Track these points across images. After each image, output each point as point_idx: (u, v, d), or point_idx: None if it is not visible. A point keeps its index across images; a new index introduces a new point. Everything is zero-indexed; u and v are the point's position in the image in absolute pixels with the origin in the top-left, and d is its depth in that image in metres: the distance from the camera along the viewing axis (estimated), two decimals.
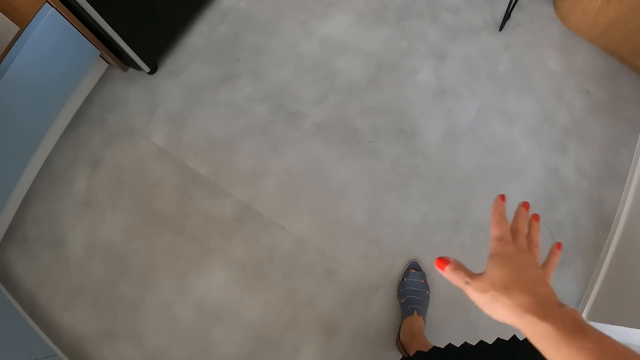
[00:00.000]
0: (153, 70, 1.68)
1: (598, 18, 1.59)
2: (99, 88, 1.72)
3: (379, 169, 1.55)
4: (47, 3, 1.29)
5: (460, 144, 1.58)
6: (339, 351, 1.43)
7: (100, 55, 1.59)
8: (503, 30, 1.69)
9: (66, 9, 1.34)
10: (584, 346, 0.40)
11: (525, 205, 0.57)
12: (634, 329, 1.21)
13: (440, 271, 0.51)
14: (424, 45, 1.68)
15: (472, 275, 0.48)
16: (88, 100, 1.71)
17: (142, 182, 1.59)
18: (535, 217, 0.56)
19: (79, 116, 1.69)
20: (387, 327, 1.44)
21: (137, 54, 1.55)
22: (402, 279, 1.45)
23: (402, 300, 1.42)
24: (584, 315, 1.44)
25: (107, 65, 1.72)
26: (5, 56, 1.27)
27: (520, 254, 0.50)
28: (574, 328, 0.41)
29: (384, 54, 1.67)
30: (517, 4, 1.72)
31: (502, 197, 0.55)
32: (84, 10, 1.32)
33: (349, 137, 1.58)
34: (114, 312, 1.50)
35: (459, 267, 0.50)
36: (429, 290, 1.44)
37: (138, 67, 1.64)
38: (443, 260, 0.51)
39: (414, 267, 1.46)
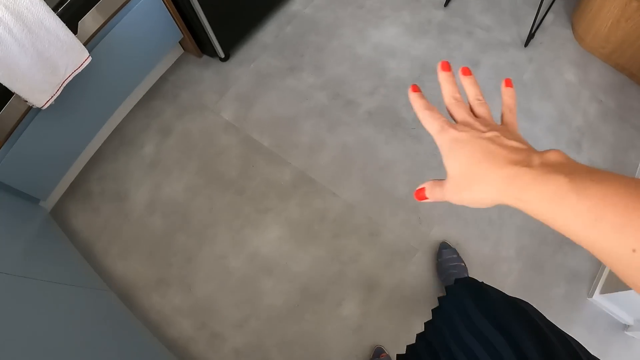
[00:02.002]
0: (226, 58, 1.97)
1: (609, 38, 1.88)
2: (174, 70, 2.00)
3: (420, 150, 1.79)
4: None
5: None
6: (377, 306, 1.61)
7: (179, 42, 1.87)
8: (528, 46, 1.98)
9: None
10: (588, 187, 0.33)
11: (443, 65, 0.49)
12: None
13: (422, 200, 0.48)
14: (460, 55, 1.97)
15: (440, 183, 0.45)
16: (163, 79, 1.99)
17: (209, 149, 1.83)
18: (464, 71, 0.50)
19: (154, 91, 1.96)
20: (422, 286, 1.63)
21: (218, 40, 1.83)
22: (437, 261, 1.64)
23: (443, 278, 1.60)
24: (599, 289, 1.62)
25: (183, 51, 2.00)
26: (108, 21, 1.54)
27: (465, 132, 0.43)
28: (565, 171, 0.35)
29: (426, 59, 1.96)
30: (540, 26, 2.02)
31: (414, 87, 0.49)
32: None
33: (395, 124, 1.83)
34: (168, 262, 1.69)
35: (432, 188, 0.46)
36: (463, 262, 1.62)
37: (213, 54, 1.93)
38: (419, 191, 0.48)
39: (443, 247, 1.65)
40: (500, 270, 1.64)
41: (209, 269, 1.68)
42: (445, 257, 1.62)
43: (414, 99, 0.48)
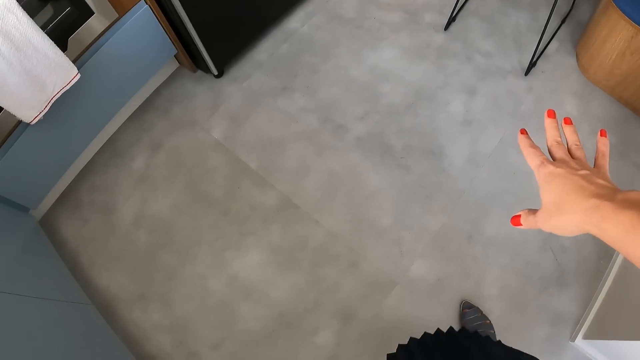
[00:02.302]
0: (220, 74, 1.96)
1: (613, 70, 1.81)
2: (168, 83, 2.00)
3: (407, 181, 1.76)
4: (143, 0, 1.58)
5: (481, 168, 1.78)
6: (352, 337, 1.60)
7: (174, 56, 1.87)
8: (528, 75, 1.92)
9: (158, 8, 1.63)
10: None
11: (550, 113, 0.57)
12: (628, 341, 1.35)
13: (517, 226, 0.55)
14: (457, 81, 1.92)
15: (533, 212, 0.52)
16: (157, 92, 1.99)
17: (197, 167, 1.84)
18: (566, 120, 0.57)
19: (147, 104, 1.97)
20: (398, 320, 1.61)
21: (210, 57, 1.83)
22: (462, 324, 1.59)
23: None
24: (582, 333, 1.58)
25: (179, 65, 2.00)
26: (102, 35, 1.55)
27: (561, 168, 0.49)
28: None
29: (422, 85, 1.92)
30: (543, 53, 1.95)
31: (523, 130, 0.57)
32: (174, 10, 1.60)
33: (384, 151, 1.80)
34: (151, 278, 1.70)
35: (527, 216, 0.53)
36: (488, 319, 1.59)
37: (207, 70, 1.92)
38: (515, 217, 0.55)
39: (466, 307, 1.60)
40: (482, 308, 1.61)
41: (190, 288, 1.69)
42: (468, 317, 1.58)
43: (522, 138, 0.56)
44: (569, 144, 0.55)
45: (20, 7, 1.22)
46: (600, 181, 0.46)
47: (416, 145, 1.81)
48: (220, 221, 1.75)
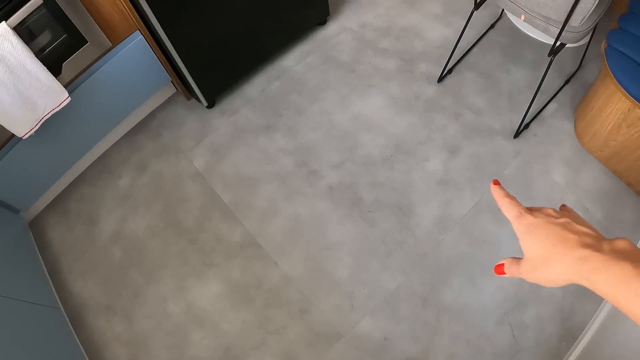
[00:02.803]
0: (211, 105, 2.04)
1: (609, 141, 1.70)
2: (164, 107, 2.12)
3: (370, 235, 1.76)
4: (138, 30, 1.69)
5: (449, 232, 1.74)
6: None
7: (171, 81, 1.98)
8: (518, 137, 1.85)
9: (152, 39, 1.73)
10: None
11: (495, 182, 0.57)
12: None
13: (500, 275, 0.54)
14: (441, 138, 1.88)
15: (517, 261, 0.51)
16: (152, 114, 2.11)
17: (175, 194, 1.93)
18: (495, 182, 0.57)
19: (141, 125, 2.10)
20: None
21: (200, 90, 1.91)
22: None
23: None
24: None
25: (175, 91, 2.11)
26: (95, 62, 1.67)
27: (540, 217, 0.49)
28: (631, 258, 0.40)
29: (403, 138, 1.90)
30: (539, 115, 1.87)
31: (495, 181, 0.57)
32: (165, 44, 1.70)
33: (353, 203, 1.81)
34: (118, 292, 1.82)
35: (510, 265, 0.52)
36: None
37: (199, 100, 2.01)
38: (499, 266, 0.54)
39: None
40: None
41: (151, 307, 1.79)
42: None
43: (495, 189, 0.55)
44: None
45: (16, 35, 1.36)
46: (583, 229, 0.46)
47: (386, 200, 1.80)
48: (188, 249, 1.84)
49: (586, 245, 0.43)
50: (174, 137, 2.05)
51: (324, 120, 1.97)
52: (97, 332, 1.78)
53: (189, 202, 1.91)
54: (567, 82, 1.96)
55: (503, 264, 0.53)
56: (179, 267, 1.82)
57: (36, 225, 1.99)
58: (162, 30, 1.65)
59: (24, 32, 1.44)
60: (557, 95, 1.92)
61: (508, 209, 0.52)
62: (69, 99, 1.61)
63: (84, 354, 1.70)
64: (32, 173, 1.81)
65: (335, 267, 1.73)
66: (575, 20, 1.42)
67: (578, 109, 1.86)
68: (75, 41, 1.61)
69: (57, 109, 1.61)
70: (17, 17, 1.36)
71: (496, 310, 1.66)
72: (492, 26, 2.14)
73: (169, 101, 2.12)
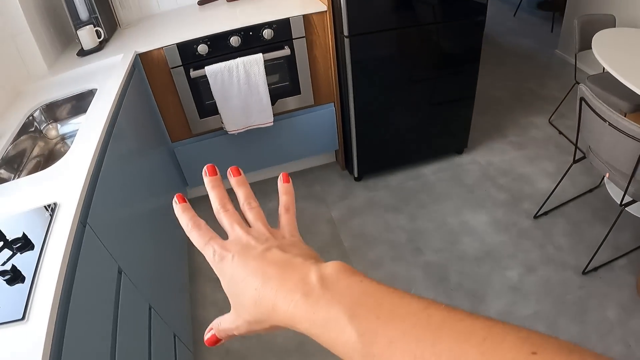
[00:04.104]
0: (358, 179, 2.90)
1: None
2: (321, 168, 3.06)
3: None
4: (333, 103, 2.63)
5: None
6: None
7: (335, 151, 2.88)
8: (586, 274, 2.31)
9: (340, 113, 2.66)
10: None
11: (210, 170, 0.45)
12: None
13: (213, 344, 0.42)
14: (523, 257, 2.43)
15: (224, 316, 0.41)
16: (311, 169, 3.06)
17: (308, 227, 2.69)
18: (233, 171, 0.46)
19: (302, 173, 3.05)
20: None
21: (357, 163, 2.78)
22: None
23: None
24: None
25: (334, 160, 3.02)
26: (298, 110, 2.63)
27: (230, 251, 0.39)
28: (346, 300, 0.32)
29: (495, 248, 2.48)
30: (609, 264, 2.32)
31: (179, 196, 0.44)
32: (349, 118, 2.60)
33: (440, 280, 2.41)
34: None
35: (218, 326, 0.42)
36: None
37: (351, 171, 2.87)
38: (209, 335, 0.43)
39: None
40: None
41: None
42: None
43: (180, 210, 0.43)
44: (240, 204, 0.45)
45: (263, 65, 2.35)
46: (287, 257, 0.37)
47: (466, 286, 2.37)
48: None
49: (293, 288, 0.34)
50: (322, 190, 2.91)
51: (439, 217, 2.66)
52: (201, 293, 2.54)
53: (316, 236, 2.67)
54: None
55: (211, 328, 0.43)
56: None
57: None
58: (353, 105, 2.55)
59: (267, 66, 2.41)
60: (630, 254, 2.36)
61: (196, 241, 0.41)
62: (272, 123, 2.57)
63: None
64: (217, 162, 2.80)
65: None
66: None
67: None
68: (293, 89, 2.60)
69: (262, 125, 2.57)
70: (269, 55, 2.38)
71: None
72: (590, 190, 2.71)
73: (326, 166, 3.06)
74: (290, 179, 0.46)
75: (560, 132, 2.20)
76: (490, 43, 4.85)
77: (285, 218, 0.44)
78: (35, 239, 1.11)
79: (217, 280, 0.40)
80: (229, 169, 0.46)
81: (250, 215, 0.44)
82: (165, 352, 1.69)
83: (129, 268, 1.48)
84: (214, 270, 0.40)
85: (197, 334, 2.22)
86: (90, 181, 1.39)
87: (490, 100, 3.75)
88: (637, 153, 1.90)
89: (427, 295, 2.41)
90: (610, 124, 1.96)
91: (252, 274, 0.37)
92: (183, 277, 2.32)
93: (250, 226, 0.43)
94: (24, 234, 1.13)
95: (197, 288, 2.48)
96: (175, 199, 0.43)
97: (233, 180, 0.46)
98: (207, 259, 0.40)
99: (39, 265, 1.04)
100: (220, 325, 0.42)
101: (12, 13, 2.09)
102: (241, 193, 0.45)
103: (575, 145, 2.32)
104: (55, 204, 1.24)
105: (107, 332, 1.23)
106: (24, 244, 1.10)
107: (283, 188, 0.46)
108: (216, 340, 0.42)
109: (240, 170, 0.46)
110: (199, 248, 0.41)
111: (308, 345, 2.16)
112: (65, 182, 1.34)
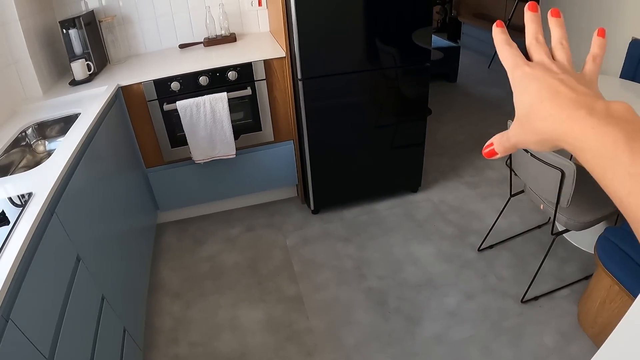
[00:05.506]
0: (315, 212, 3.01)
1: (597, 319, 1.97)
2: (284, 201, 3.22)
3: (382, 327, 2.29)
4: (292, 140, 2.83)
5: (441, 346, 2.17)
6: None
7: (296, 185, 3.03)
8: (525, 303, 2.27)
9: (298, 150, 2.85)
10: None
11: (531, 6, 0.47)
12: None
13: (491, 156, 0.49)
14: (464, 286, 2.42)
15: (506, 132, 0.47)
16: (274, 202, 3.20)
17: (264, 252, 2.80)
18: (553, 12, 0.46)
19: (264, 205, 3.22)
20: None
21: (314, 198, 2.92)
22: None
23: None
24: None
25: (295, 195, 3.17)
26: (259, 145, 2.84)
27: (537, 69, 0.43)
28: (626, 128, 0.34)
29: (436, 277, 2.49)
30: (551, 294, 2.28)
31: (499, 23, 0.48)
32: (306, 155, 2.79)
33: (379, 303, 2.41)
34: (190, 288, 2.62)
35: (500, 139, 0.48)
36: None
37: (309, 205, 2.99)
38: (488, 148, 0.49)
39: None
40: None
41: (207, 306, 2.53)
42: None
43: (497, 32, 0.48)
44: (553, 42, 0.47)
45: (227, 103, 2.58)
46: (582, 87, 0.40)
47: (404, 310, 2.35)
48: (254, 285, 2.55)
49: (577, 106, 0.38)
50: (281, 220, 3.04)
51: (386, 248, 2.71)
52: (159, 303, 2.53)
53: (270, 261, 2.74)
54: (587, 277, 2.35)
55: (491, 144, 0.48)
56: (241, 292, 2.55)
57: (159, 227, 3.03)
58: (308, 143, 2.75)
59: (232, 104, 2.65)
60: (575, 284, 2.32)
61: (506, 57, 0.46)
62: (234, 155, 2.77)
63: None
64: (183, 189, 2.91)
65: (347, 337, 2.28)
66: (563, 202, 2.00)
67: (583, 296, 2.23)
68: (255, 126, 2.82)
69: (225, 157, 2.78)
70: (232, 94, 2.63)
71: None
72: (539, 226, 2.73)
73: (289, 199, 3.22)
74: (604, 34, 0.47)
75: (516, 174, 2.32)
76: (461, 93, 5.09)
77: (590, 66, 0.46)
78: (11, 217, 1.36)
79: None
80: (549, 10, 0.47)
81: (559, 53, 0.46)
82: (112, 342, 1.80)
83: (88, 258, 1.68)
84: (510, 80, 0.45)
85: (150, 339, 2.31)
86: (64, 178, 1.64)
87: (451, 144, 3.92)
88: (558, 181, 1.97)
89: (365, 317, 2.40)
90: (532, 155, 2.08)
91: (546, 88, 0.41)
92: (143, 285, 2.45)
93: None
94: (3, 211, 1.40)
95: (157, 299, 2.56)
96: (495, 24, 0.49)
97: (552, 21, 0.47)
98: (507, 68, 0.46)
99: (9, 238, 1.26)
100: (500, 138, 0.48)
101: (16, 42, 2.46)
102: (557, 33, 0.47)
103: (510, 179, 2.42)
104: (30, 193, 1.50)
105: (56, 309, 1.38)
106: (1, 218, 1.36)
107: (596, 41, 0.47)
108: (493, 153, 0.48)
109: (560, 12, 0.47)
110: (504, 60, 0.46)
111: (249, 355, 2.19)
112: (42, 178, 1.60)
